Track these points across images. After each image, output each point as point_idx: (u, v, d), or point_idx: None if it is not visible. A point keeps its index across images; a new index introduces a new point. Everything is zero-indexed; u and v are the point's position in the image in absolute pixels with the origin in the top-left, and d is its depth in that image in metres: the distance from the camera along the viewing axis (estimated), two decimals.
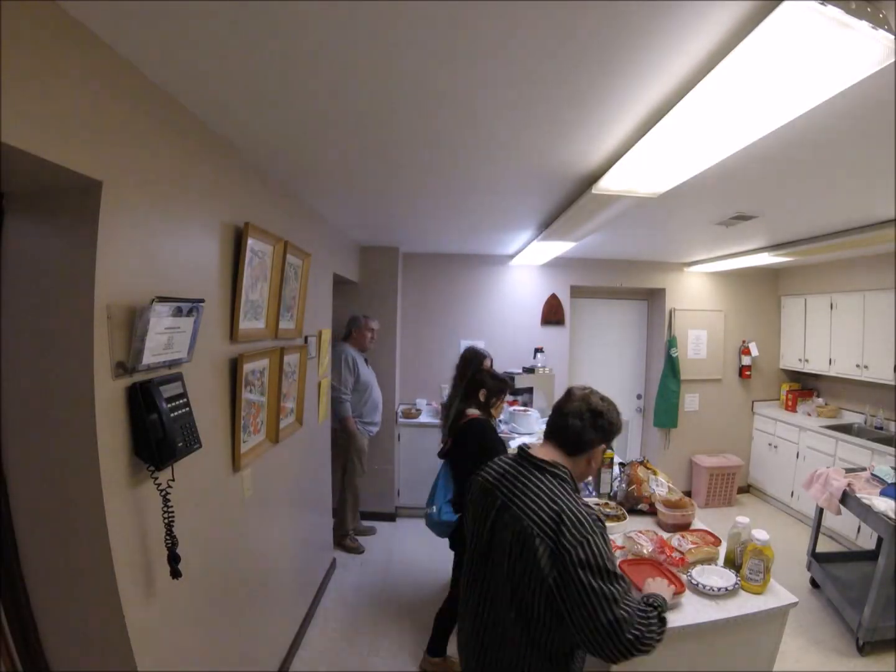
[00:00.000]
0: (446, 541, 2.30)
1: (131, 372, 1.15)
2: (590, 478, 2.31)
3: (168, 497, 1.23)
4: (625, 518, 2.10)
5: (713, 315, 4.73)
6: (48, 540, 1.11)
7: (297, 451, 2.49)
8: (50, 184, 1.03)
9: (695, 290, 4.71)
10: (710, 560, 1.78)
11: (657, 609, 1.14)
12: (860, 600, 2.53)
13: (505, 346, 4.37)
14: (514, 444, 2.97)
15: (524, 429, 3.50)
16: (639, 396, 5.00)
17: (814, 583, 3.04)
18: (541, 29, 1.00)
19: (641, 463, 2.41)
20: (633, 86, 1.23)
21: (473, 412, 2.23)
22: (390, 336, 4.09)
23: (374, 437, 3.76)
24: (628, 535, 1.87)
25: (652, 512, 2.20)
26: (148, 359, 1.17)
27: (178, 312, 1.24)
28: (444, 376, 3.66)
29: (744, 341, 4.73)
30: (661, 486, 2.31)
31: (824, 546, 3.41)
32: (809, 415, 4.36)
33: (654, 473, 2.40)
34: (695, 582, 1.61)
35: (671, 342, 4.56)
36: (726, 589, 1.59)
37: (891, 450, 3.31)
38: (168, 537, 1.23)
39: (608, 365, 4.96)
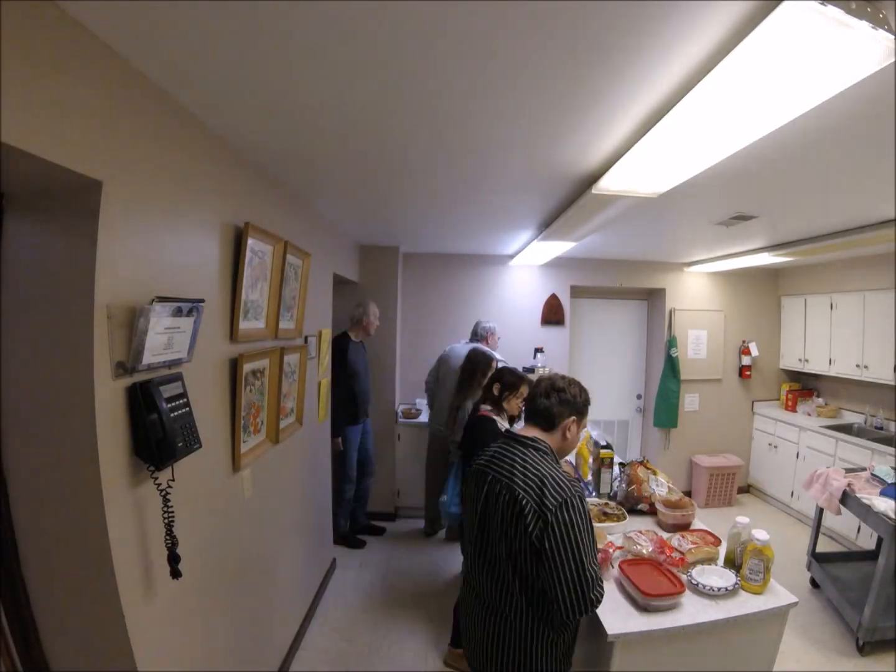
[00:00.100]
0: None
1: (131, 372, 1.15)
2: (572, 454, 2.28)
3: (168, 497, 1.23)
4: (625, 518, 2.10)
5: (713, 315, 4.73)
6: (48, 540, 1.11)
7: (297, 451, 2.49)
8: (50, 184, 1.03)
9: (695, 290, 4.71)
10: (710, 560, 1.78)
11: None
12: (860, 600, 2.53)
13: (505, 345, 4.35)
14: None
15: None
16: (639, 396, 5.00)
17: (814, 583, 3.04)
18: (540, 29, 0.99)
19: (641, 463, 2.41)
20: (632, 86, 1.23)
21: (486, 409, 2.23)
22: (390, 336, 4.09)
23: (374, 436, 3.80)
24: (628, 535, 1.87)
25: (652, 512, 2.20)
26: (148, 359, 1.17)
27: (178, 312, 1.24)
28: None
29: (744, 341, 4.73)
30: (661, 486, 2.31)
31: (824, 546, 3.41)
32: (809, 415, 4.36)
33: (654, 473, 2.40)
34: (695, 582, 1.62)
35: (671, 342, 4.56)
36: (726, 589, 1.59)
37: (891, 450, 3.31)
38: (168, 537, 1.23)
39: (608, 365, 4.96)
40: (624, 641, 1.45)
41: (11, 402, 1.09)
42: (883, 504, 2.48)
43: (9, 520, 1.10)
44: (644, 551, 1.77)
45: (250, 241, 1.72)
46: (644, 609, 1.52)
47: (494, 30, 1.00)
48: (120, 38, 1.04)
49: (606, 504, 2.22)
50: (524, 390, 2.20)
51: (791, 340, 4.64)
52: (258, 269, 1.84)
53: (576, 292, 4.69)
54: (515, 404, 2.24)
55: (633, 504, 2.24)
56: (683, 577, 1.64)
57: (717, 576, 1.66)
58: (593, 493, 2.43)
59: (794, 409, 4.55)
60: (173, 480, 1.26)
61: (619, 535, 1.92)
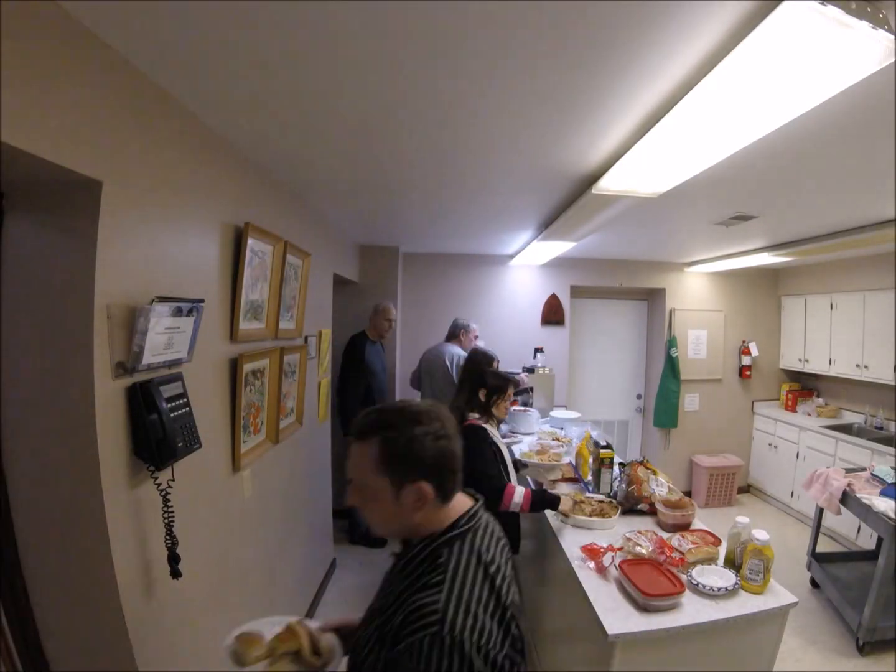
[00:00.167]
0: None
1: (131, 372, 1.15)
2: (572, 454, 2.12)
3: (168, 497, 1.23)
4: (613, 515, 2.08)
5: (713, 315, 4.73)
6: (48, 540, 1.11)
7: (297, 451, 2.49)
8: (50, 184, 1.03)
9: (695, 290, 4.71)
10: (710, 560, 1.78)
11: None
12: (860, 600, 2.53)
13: (505, 346, 4.36)
14: (516, 448, 2.96)
15: (524, 429, 3.49)
16: (639, 396, 5.00)
17: (814, 583, 3.04)
18: (540, 30, 1.00)
19: (641, 463, 2.40)
20: (632, 86, 1.23)
21: (473, 417, 2.11)
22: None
23: None
24: (628, 536, 1.87)
25: (652, 512, 2.20)
26: (148, 359, 1.17)
27: (178, 312, 1.24)
28: None
29: (744, 341, 4.73)
30: (661, 486, 2.31)
31: (824, 546, 3.41)
32: (809, 415, 4.36)
33: (654, 473, 2.40)
34: (695, 582, 1.61)
35: (671, 342, 4.56)
36: (726, 589, 1.59)
37: (891, 450, 3.31)
38: (168, 537, 1.23)
39: (608, 365, 4.96)
40: (624, 641, 1.45)
41: (11, 402, 1.09)
42: (883, 504, 2.47)
43: (9, 520, 1.10)
44: (644, 551, 1.77)
45: (250, 241, 1.72)
46: (644, 609, 1.52)
47: (505, 34, 1.01)
48: (120, 38, 1.04)
49: (601, 502, 2.21)
50: (511, 392, 2.20)
51: (791, 340, 4.64)
52: (258, 269, 1.84)
53: (576, 292, 4.69)
54: (504, 408, 2.19)
55: (633, 504, 2.23)
56: (683, 577, 1.63)
57: (717, 576, 1.66)
58: (593, 493, 2.43)
59: (794, 409, 4.55)
60: (173, 480, 1.26)
61: (619, 536, 1.92)
